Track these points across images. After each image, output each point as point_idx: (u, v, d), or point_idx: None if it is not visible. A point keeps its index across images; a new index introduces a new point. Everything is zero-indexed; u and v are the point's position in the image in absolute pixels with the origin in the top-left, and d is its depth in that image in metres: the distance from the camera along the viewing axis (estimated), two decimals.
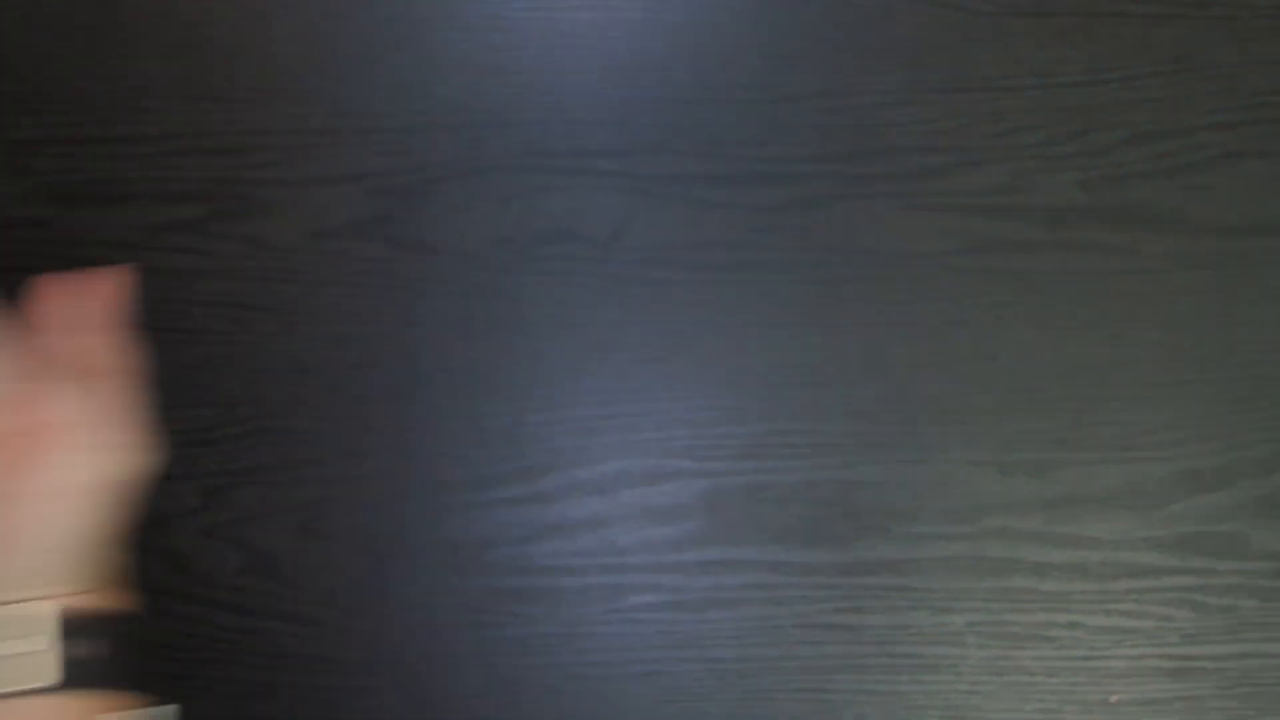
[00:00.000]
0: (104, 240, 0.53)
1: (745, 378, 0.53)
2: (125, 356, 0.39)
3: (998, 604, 0.53)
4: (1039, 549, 0.53)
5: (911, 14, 0.54)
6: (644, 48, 0.54)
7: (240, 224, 0.53)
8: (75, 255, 0.53)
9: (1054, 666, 0.53)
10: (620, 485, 0.53)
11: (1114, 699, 0.53)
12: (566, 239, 0.53)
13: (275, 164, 0.53)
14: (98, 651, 0.35)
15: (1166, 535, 0.53)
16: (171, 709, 0.37)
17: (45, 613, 0.35)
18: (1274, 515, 0.53)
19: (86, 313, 0.39)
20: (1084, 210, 0.54)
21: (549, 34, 0.53)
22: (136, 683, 0.37)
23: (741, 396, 0.53)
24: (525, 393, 0.53)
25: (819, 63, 0.54)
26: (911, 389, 0.53)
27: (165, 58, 0.53)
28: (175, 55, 0.53)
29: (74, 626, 0.35)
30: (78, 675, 0.35)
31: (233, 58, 0.53)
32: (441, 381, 0.53)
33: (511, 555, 0.53)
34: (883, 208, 0.54)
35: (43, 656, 0.35)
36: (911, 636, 0.53)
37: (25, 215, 0.53)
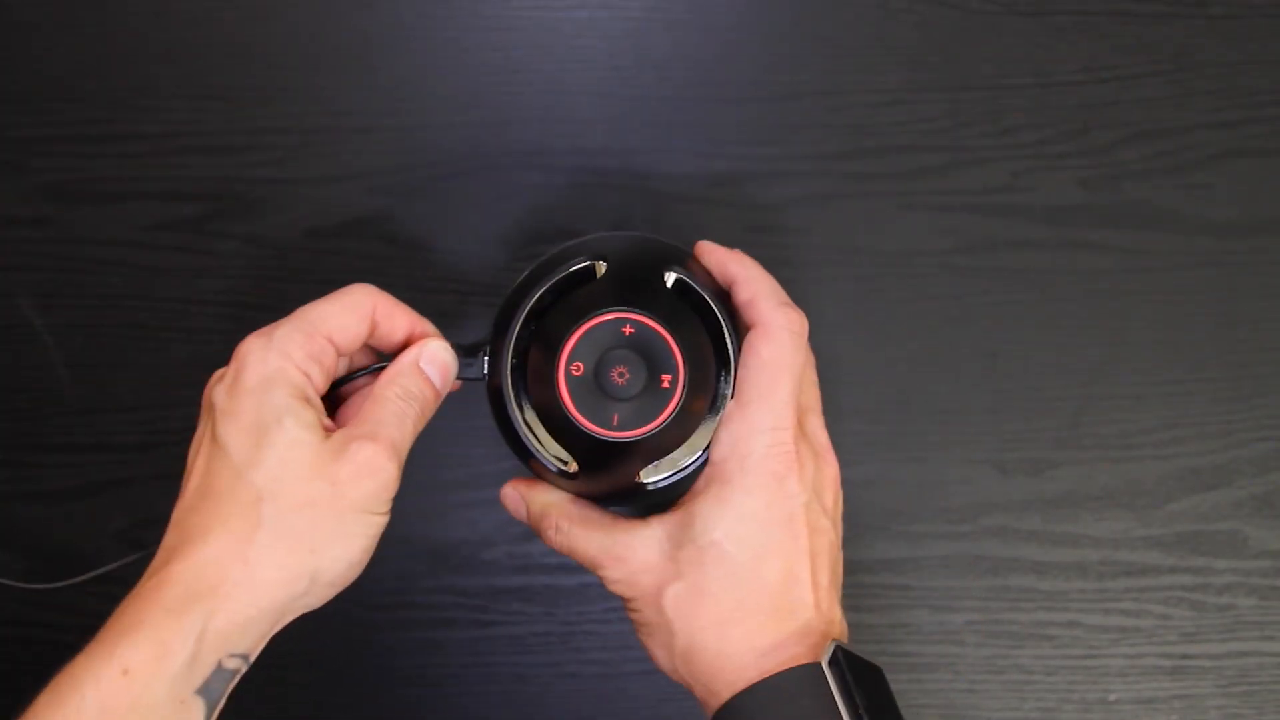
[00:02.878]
0: (104, 240, 0.53)
1: None
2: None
3: (996, 603, 0.53)
4: (1038, 548, 0.53)
5: (911, 14, 0.54)
6: (644, 48, 0.54)
7: (240, 223, 0.53)
8: (75, 255, 0.53)
9: (1052, 665, 0.53)
10: None
11: (1112, 697, 0.53)
12: (566, 238, 0.53)
13: (275, 163, 0.53)
14: None
15: (1165, 534, 0.53)
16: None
17: None
18: (1272, 514, 0.53)
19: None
20: (1083, 209, 0.54)
21: (549, 34, 0.53)
22: None
23: None
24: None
25: (819, 63, 0.54)
26: (911, 389, 0.53)
27: (165, 58, 0.53)
28: (175, 55, 0.53)
29: None
30: None
31: (233, 58, 0.53)
32: None
33: (511, 554, 0.53)
34: (882, 207, 0.54)
35: None
36: (910, 635, 0.53)
37: (25, 214, 0.53)
